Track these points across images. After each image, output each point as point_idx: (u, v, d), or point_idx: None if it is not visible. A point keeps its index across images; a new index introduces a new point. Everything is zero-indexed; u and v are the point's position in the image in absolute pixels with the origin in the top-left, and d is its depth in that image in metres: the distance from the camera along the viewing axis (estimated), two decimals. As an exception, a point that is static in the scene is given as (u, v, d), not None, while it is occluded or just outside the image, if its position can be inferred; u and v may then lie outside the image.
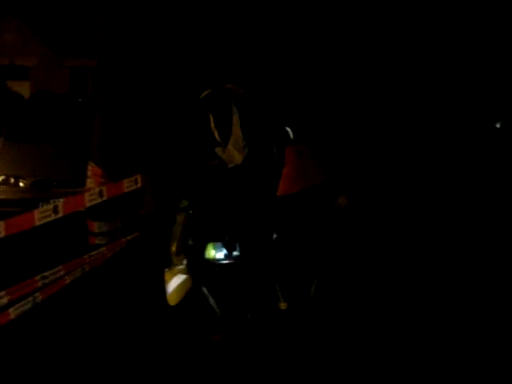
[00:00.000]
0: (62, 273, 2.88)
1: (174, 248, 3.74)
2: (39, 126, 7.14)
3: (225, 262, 4.00)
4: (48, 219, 2.75)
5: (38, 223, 2.67)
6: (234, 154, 3.06)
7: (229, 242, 3.61)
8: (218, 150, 3.07)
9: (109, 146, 3.82)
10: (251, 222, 3.39)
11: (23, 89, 15.63)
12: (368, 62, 9.12)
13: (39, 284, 2.70)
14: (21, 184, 6.16)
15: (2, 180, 6.15)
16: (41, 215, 2.69)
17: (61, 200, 2.85)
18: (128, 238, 3.71)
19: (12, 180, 6.17)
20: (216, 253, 4.10)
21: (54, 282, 2.83)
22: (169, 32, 3.79)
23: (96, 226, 3.83)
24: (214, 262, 4.01)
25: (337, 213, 4.13)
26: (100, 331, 3.56)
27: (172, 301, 3.64)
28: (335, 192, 4.09)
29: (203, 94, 3.13)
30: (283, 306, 4.07)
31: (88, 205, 3.13)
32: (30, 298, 2.64)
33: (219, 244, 3.99)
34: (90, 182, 3.90)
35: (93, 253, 3.25)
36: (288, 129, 4.02)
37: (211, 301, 3.38)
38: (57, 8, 17.03)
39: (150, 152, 3.74)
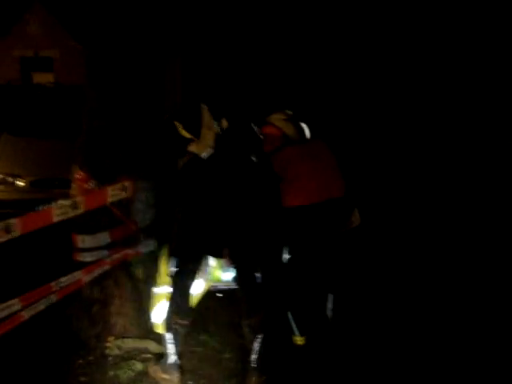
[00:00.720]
0: (17, 307, 2.30)
1: (164, 267, 3.12)
2: (44, 119, 6.66)
3: (232, 285, 3.35)
4: (-4, 242, 2.17)
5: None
6: (205, 136, 2.61)
7: (233, 255, 2.88)
8: (191, 146, 2.61)
9: (94, 146, 3.22)
10: (247, 219, 2.72)
11: (47, 80, 15.33)
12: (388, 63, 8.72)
13: (-19, 324, 2.11)
14: (19, 183, 5.68)
15: (0, 179, 5.67)
16: (-15, 237, 2.11)
17: (15, 218, 2.25)
18: (115, 256, 3.11)
19: (10, 179, 5.69)
20: (222, 273, 3.45)
21: (6, 321, 2.24)
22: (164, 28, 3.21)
23: (79, 240, 3.24)
24: (219, 288, 3.38)
25: (349, 232, 3.45)
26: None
27: (160, 329, 3.02)
28: (350, 207, 3.40)
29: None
30: (299, 340, 3.40)
31: (56, 220, 2.53)
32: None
33: (225, 262, 3.33)
34: (73, 189, 3.32)
35: (63, 278, 2.65)
36: (304, 125, 3.33)
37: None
38: (84, -2, 16.64)
39: (143, 154, 3.13)
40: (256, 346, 2.84)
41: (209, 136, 2.60)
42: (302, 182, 3.19)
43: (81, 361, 3.20)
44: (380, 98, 8.58)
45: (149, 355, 3.27)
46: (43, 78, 15.32)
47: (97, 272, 2.92)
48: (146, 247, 3.36)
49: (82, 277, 2.78)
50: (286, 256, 3.32)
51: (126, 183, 3.12)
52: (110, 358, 3.24)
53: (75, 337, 3.34)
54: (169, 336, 2.78)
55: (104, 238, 3.21)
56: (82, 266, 3.09)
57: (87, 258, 3.20)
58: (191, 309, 2.88)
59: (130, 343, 3.33)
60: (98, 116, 3.19)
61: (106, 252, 3.21)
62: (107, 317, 3.32)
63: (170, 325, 2.76)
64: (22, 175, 5.65)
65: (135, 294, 3.36)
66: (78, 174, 3.25)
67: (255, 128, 2.77)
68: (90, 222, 3.21)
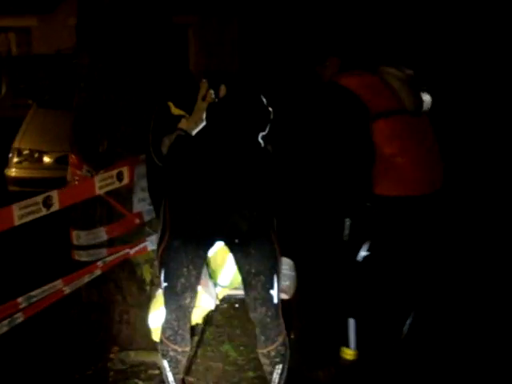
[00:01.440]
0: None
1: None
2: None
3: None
4: None
5: None
6: (197, 108, 2.03)
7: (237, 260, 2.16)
8: (181, 123, 2.04)
9: (85, 124, 2.67)
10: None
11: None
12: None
13: None
14: (45, 159, 5.29)
15: (25, 155, 5.30)
16: None
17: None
18: (109, 258, 2.58)
19: (36, 155, 5.31)
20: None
21: None
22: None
23: (74, 236, 2.75)
24: (238, 297, 2.78)
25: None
26: None
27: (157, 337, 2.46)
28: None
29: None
30: (350, 355, 2.74)
31: (19, 222, 2.01)
32: None
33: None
34: (69, 174, 2.81)
35: (35, 291, 2.15)
36: (427, 96, 2.54)
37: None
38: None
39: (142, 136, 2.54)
40: (275, 377, 2.24)
41: (202, 107, 1.98)
42: (406, 166, 2.46)
43: (77, 376, 2.75)
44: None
45: (156, 371, 2.76)
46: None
47: (84, 279, 2.40)
48: (153, 243, 2.81)
49: (63, 287, 2.26)
50: (362, 253, 2.63)
51: (123, 169, 2.56)
52: (111, 374, 2.76)
53: (73, 347, 2.88)
54: (166, 364, 2.23)
55: (100, 234, 2.69)
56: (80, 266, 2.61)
57: (83, 257, 2.71)
58: (191, 332, 2.31)
59: (135, 356, 2.84)
60: (89, 87, 2.63)
61: (104, 251, 2.70)
62: (109, 325, 2.84)
63: (165, 351, 2.20)
64: (49, 151, 5.26)
65: (141, 299, 2.84)
66: (71, 158, 2.73)
67: (264, 100, 2.08)
68: (83, 215, 2.71)
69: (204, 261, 2.11)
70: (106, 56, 2.61)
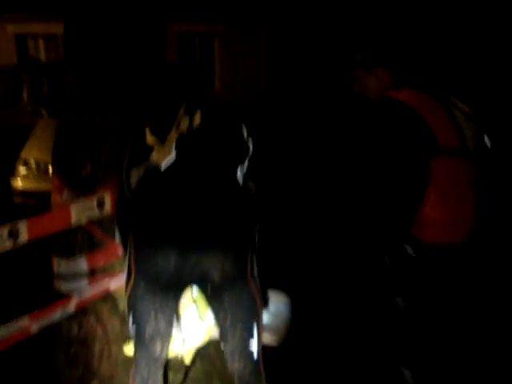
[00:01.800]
0: None
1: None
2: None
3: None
4: None
5: None
6: (170, 139, 1.85)
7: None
8: (153, 153, 1.87)
9: (69, 147, 2.51)
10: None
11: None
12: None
13: None
14: (51, 171, 5.17)
15: (31, 166, 5.20)
16: None
17: None
18: (85, 294, 2.40)
19: (42, 165, 5.21)
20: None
21: None
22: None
23: (55, 264, 2.58)
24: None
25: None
26: None
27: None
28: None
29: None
30: None
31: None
32: None
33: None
34: (53, 198, 2.65)
35: (-4, 330, 1.97)
36: (487, 140, 2.22)
37: None
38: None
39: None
40: None
41: (172, 137, 1.80)
42: (457, 212, 2.11)
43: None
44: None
45: (136, 412, 2.56)
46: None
47: (55, 316, 2.21)
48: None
49: (29, 325, 2.08)
50: (399, 301, 2.34)
51: (104, 196, 2.38)
52: (87, 413, 2.58)
53: (54, 381, 2.70)
54: None
55: (81, 263, 2.51)
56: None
57: (62, 286, 2.54)
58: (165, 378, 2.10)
59: (115, 393, 2.64)
60: (72, 106, 2.47)
61: (84, 282, 2.52)
62: (89, 359, 2.65)
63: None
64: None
65: (123, 333, 2.65)
66: (53, 181, 2.57)
67: (245, 131, 1.86)
68: (63, 242, 2.53)
69: (175, 308, 1.91)
70: (90, 72, 2.44)
